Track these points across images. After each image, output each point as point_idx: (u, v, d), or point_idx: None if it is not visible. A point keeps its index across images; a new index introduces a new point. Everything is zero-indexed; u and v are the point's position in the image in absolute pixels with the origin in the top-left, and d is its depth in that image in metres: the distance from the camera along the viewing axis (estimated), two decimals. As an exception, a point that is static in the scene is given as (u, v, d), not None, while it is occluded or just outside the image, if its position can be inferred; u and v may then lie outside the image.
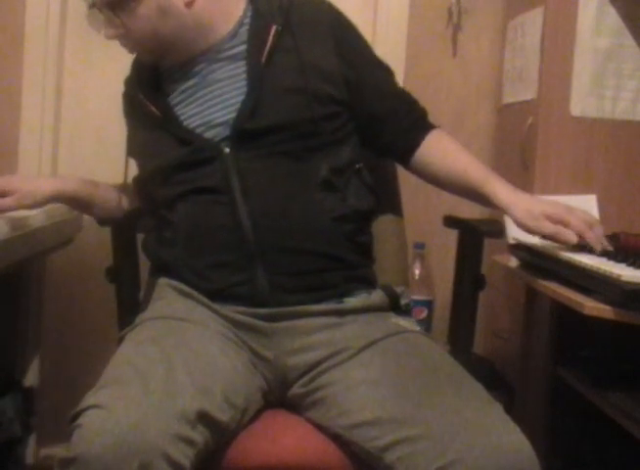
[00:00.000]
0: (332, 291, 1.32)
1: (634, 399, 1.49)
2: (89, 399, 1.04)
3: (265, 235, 1.29)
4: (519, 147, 1.93)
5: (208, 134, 1.36)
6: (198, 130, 1.37)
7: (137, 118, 1.47)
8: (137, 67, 1.50)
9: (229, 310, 1.29)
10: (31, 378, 2.12)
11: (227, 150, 1.34)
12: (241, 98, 1.35)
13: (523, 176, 1.89)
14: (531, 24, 1.90)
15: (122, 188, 1.54)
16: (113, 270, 1.47)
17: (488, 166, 1.41)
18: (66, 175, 2.06)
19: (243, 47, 1.38)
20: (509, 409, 1.11)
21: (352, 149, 1.41)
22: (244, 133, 1.34)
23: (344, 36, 1.43)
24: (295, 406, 1.26)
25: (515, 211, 1.32)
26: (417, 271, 2.12)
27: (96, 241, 2.08)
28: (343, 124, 1.40)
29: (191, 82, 1.40)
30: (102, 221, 1.49)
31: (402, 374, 1.16)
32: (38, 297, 2.15)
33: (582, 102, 1.81)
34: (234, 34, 1.38)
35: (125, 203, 1.53)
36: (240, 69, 1.38)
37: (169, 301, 1.33)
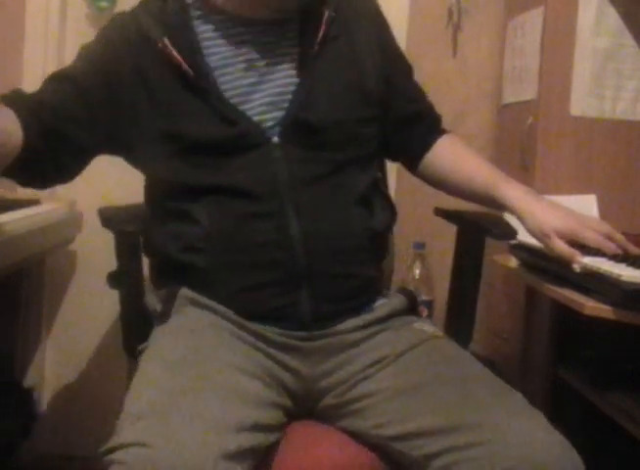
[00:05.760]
0: (362, 310, 1.27)
1: (634, 399, 1.48)
2: (128, 433, 0.96)
3: (315, 258, 1.18)
4: (519, 147, 1.93)
5: (256, 117, 1.20)
6: (242, 108, 1.20)
7: (147, 64, 1.22)
8: (161, 5, 1.25)
9: (261, 328, 1.20)
10: (31, 379, 2.12)
11: (276, 139, 1.20)
12: (291, 81, 1.24)
13: (523, 176, 1.89)
14: (531, 24, 1.90)
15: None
16: (116, 276, 1.37)
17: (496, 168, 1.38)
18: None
19: (295, 26, 1.27)
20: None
21: (378, 161, 1.39)
22: (297, 122, 1.21)
23: (385, 33, 1.39)
24: (325, 418, 1.20)
25: (526, 222, 1.28)
26: (417, 271, 2.12)
27: (96, 242, 2.08)
28: (377, 132, 1.34)
29: (237, 46, 1.22)
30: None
31: (441, 382, 1.12)
32: (38, 297, 2.15)
33: (582, 102, 1.81)
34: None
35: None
36: (292, 49, 1.26)
37: (192, 316, 1.21)
